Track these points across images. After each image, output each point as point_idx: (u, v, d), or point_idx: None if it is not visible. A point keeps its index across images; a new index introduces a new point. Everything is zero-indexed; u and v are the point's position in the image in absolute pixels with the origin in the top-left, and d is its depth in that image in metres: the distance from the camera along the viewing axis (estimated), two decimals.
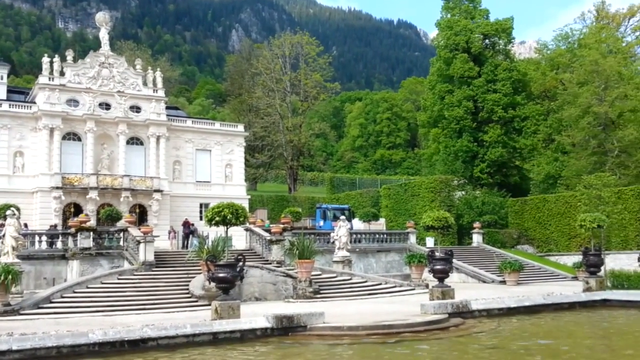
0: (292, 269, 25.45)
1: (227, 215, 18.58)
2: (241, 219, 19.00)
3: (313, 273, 25.44)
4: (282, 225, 31.57)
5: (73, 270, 27.44)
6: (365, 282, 28.28)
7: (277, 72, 74.83)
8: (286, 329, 16.03)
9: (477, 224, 42.67)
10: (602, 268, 25.71)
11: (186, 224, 38.53)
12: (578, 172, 44.73)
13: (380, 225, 44.36)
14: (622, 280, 25.17)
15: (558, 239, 42.52)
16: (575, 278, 33.02)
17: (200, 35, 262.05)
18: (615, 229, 34.75)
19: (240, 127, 53.53)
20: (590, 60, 48.00)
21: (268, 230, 31.19)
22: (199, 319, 16.46)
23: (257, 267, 25.23)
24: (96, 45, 51.83)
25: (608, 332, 18.13)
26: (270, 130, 74.20)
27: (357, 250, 35.63)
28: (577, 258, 32.69)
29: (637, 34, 66.15)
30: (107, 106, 45.64)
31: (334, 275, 28.42)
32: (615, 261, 35.34)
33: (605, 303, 23.53)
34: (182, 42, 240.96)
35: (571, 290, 25.31)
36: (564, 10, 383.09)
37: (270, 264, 27.68)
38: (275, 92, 74.22)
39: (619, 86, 46.99)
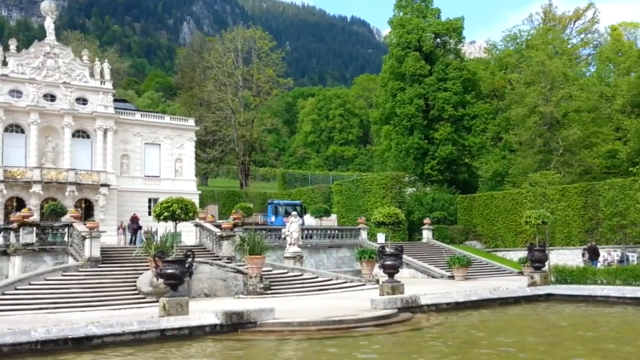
0: (243, 265, 25.23)
1: (176, 211, 18.23)
2: (190, 215, 18.70)
3: (264, 269, 25.28)
4: (232, 221, 31.27)
5: (15, 267, 26.46)
6: (316, 277, 28.29)
7: (229, 66, 73.97)
8: (236, 325, 15.87)
9: (427, 220, 43.29)
10: (547, 263, 26.43)
11: (134, 219, 37.74)
12: (524, 170, 45.91)
13: (331, 221, 44.47)
14: (565, 275, 25.91)
15: (505, 235, 43.55)
16: (521, 273, 33.85)
17: (150, 27, 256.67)
18: (559, 225, 35.79)
19: (191, 121, 52.70)
20: (537, 61, 49.32)
21: (218, 226, 30.83)
22: (146, 316, 16.13)
23: (207, 263, 24.89)
24: (41, 34, 49.87)
25: (551, 325, 18.63)
26: (221, 124, 73.30)
27: (309, 246, 35.62)
28: (523, 253, 33.56)
29: (582, 36, 68.32)
30: (52, 98, 44.18)
31: (285, 271, 28.33)
32: (559, 257, 36.42)
33: (549, 297, 24.25)
34: (131, 33, 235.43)
35: (517, 285, 25.95)
36: (514, 12, 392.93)
37: (220, 260, 27.38)
38: (227, 87, 73.36)
39: (564, 87, 48.44)
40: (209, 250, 30.15)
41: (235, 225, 30.70)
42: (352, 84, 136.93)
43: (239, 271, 24.80)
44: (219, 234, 29.48)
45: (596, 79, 59.65)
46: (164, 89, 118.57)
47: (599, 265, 31.75)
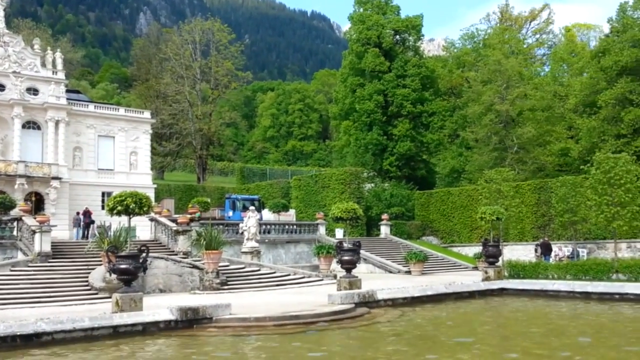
0: (199, 260, 24.89)
1: (130, 205, 17.85)
2: (145, 209, 18.33)
3: (221, 264, 25.01)
4: (189, 216, 30.83)
5: None
6: (274, 273, 28.15)
7: (187, 58, 72.87)
8: (191, 321, 15.62)
9: (385, 216, 43.59)
10: (500, 258, 26.89)
11: (87, 214, 36.83)
12: (480, 167, 46.67)
13: (290, 216, 44.33)
14: (518, 270, 26.42)
15: (461, 231, 44.22)
16: (476, 268, 34.39)
17: (105, 17, 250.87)
18: (513, 221, 36.49)
19: (147, 114, 51.70)
20: (494, 60, 50.16)
21: (174, 220, 30.36)
22: (98, 312, 15.72)
23: (162, 258, 24.49)
24: None
25: (502, 318, 19.01)
26: (178, 117, 72.20)
27: (267, 241, 35.45)
28: (478, 249, 34.09)
29: (537, 36, 69.89)
30: (1, 87, 42.66)
31: (242, 266, 28.11)
32: (513, 252, 37.20)
33: (502, 292, 24.68)
34: (85, 23, 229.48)
35: (471, 279, 26.32)
36: (472, 10, 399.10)
37: (176, 255, 26.97)
38: (184, 79, 72.28)
39: (519, 86, 49.40)
40: (164, 245, 29.71)
41: (191, 220, 30.28)
42: (312, 79, 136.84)
43: (195, 266, 24.45)
44: (174, 228, 29.02)
45: (550, 78, 61.28)
46: (119, 81, 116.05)
47: (551, 260, 32.51)
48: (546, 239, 35.84)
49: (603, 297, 22.27)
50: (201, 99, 73.55)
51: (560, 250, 36.05)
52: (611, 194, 27.34)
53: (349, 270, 21.48)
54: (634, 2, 45.30)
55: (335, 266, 27.05)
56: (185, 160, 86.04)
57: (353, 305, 18.47)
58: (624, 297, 21.76)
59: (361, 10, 60.41)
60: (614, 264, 24.76)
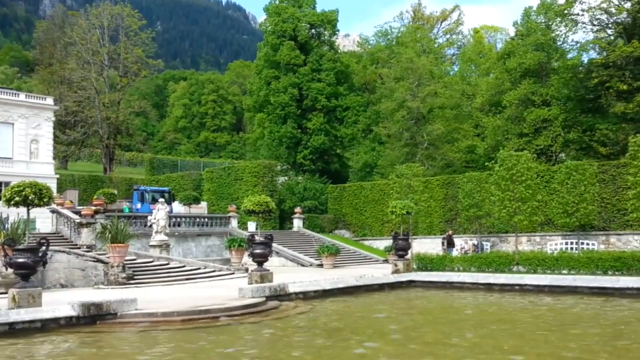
0: (104, 254, 23.86)
1: (29, 195, 16.90)
2: (46, 200, 17.41)
3: (127, 258, 24.08)
4: (93, 208, 29.52)
5: None
6: (184, 266, 27.45)
7: (94, 43, 69.58)
8: (94, 317, 14.93)
9: (298, 209, 43.63)
10: (410, 251, 27.55)
11: None
12: (392, 162, 47.65)
13: (201, 208, 43.44)
14: (426, 262, 27.18)
15: (372, 224, 44.98)
16: (386, 261, 35.05)
17: None
18: (422, 215, 37.50)
19: (50, 100, 49.00)
20: (406, 58, 51.34)
21: (78, 212, 29.00)
22: None
23: (63, 251, 23.28)
24: None
25: (409, 309, 19.48)
26: (84, 105, 68.86)
27: (177, 234, 34.59)
28: (389, 242, 34.76)
29: (448, 36, 72.23)
30: None
31: (150, 259, 27.22)
32: (422, 245, 38.28)
33: (410, 284, 25.32)
34: None
35: (382, 272, 26.80)
36: (387, 8, 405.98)
37: (79, 248, 25.76)
38: (91, 65, 69.02)
39: (430, 84, 50.85)
40: (66, 238, 28.38)
41: (96, 212, 29.02)
42: (226, 70, 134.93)
43: (99, 260, 23.41)
44: (78, 221, 27.71)
45: (459, 78, 63.59)
46: (19, 64, 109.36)
47: (455, 253, 33.70)
48: (450, 232, 37.12)
49: (504, 288, 23.33)
50: (109, 87, 70.55)
51: (466, 243, 37.48)
52: (513, 190, 28.63)
53: (260, 264, 21.27)
54: (537, 7, 47.63)
55: (247, 259, 26.74)
56: (91, 149, 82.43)
57: (264, 299, 18.32)
58: (523, 288, 22.87)
59: (277, 2, 60.07)
60: (514, 257, 25.94)
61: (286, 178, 52.02)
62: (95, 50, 69.56)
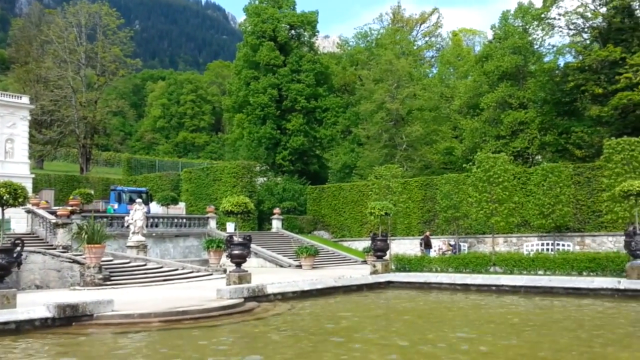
0: (80, 255, 23.58)
1: (3, 195, 16.54)
2: (20, 200, 17.05)
3: (104, 259, 23.83)
4: (70, 208, 29.17)
5: None
6: (161, 267, 27.25)
7: (71, 42, 68.74)
8: (70, 318, 14.77)
9: (277, 210, 43.56)
10: (388, 252, 27.67)
11: None
12: (371, 163, 47.78)
13: (179, 209, 43.17)
14: (404, 263, 27.33)
15: (351, 225, 45.07)
16: (365, 262, 35.14)
17: None
18: (401, 216, 37.66)
19: (25, 99, 48.35)
20: (386, 60, 51.53)
21: (53, 213, 28.63)
22: None
23: (39, 252, 22.98)
24: None
25: (388, 309, 19.59)
26: (60, 104, 67.99)
27: (154, 235, 34.29)
28: (367, 243, 34.90)
29: (427, 39, 72.70)
30: None
31: (128, 260, 26.97)
32: (400, 246, 38.48)
33: (389, 284, 25.46)
34: None
35: (361, 273, 26.88)
36: (366, 10, 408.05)
37: (55, 249, 25.42)
38: (68, 64, 68.16)
39: (409, 86, 51.13)
40: (42, 239, 28.04)
41: (72, 213, 28.67)
42: (205, 70, 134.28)
43: (75, 261, 23.13)
44: (53, 221, 27.38)
45: (437, 80, 64.08)
46: None
47: (432, 254, 33.93)
48: (428, 233, 37.35)
49: (481, 288, 23.57)
50: (86, 86, 69.75)
51: (444, 244, 37.74)
52: (490, 191, 28.91)
53: (239, 265, 21.18)
54: (515, 11, 48.18)
55: (225, 260, 26.62)
56: (67, 149, 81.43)
57: (242, 300, 18.28)
58: (500, 289, 23.12)
59: (257, 2, 59.89)
60: (491, 258, 26.20)
61: (265, 179, 51.91)
62: (72, 48, 68.74)
